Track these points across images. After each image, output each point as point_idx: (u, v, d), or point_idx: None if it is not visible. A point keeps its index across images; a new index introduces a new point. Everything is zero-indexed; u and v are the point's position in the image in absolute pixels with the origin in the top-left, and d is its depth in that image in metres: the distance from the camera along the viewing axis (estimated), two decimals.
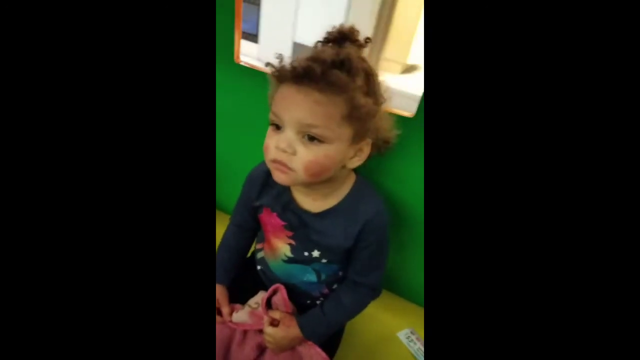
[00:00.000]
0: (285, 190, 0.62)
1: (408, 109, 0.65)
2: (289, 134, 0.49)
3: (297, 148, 0.50)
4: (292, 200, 0.61)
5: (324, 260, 0.64)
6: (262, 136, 0.53)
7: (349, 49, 0.49)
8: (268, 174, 0.62)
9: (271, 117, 0.51)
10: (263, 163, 0.64)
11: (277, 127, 0.51)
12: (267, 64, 0.52)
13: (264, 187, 0.64)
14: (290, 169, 0.51)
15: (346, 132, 0.50)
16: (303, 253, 0.63)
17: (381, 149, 0.58)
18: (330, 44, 0.51)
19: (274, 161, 0.52)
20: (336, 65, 0.47)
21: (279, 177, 0.53)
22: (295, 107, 0.48)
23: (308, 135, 0.49)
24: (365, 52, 0.53)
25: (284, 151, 0.50)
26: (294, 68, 0.48)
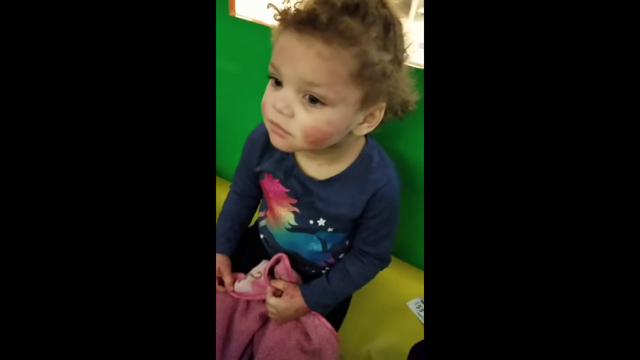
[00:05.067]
0: (288, 154, 0.57)
1: None
2: (288, 92, 0.43)
3: (295, 110, 0.43)
4: (295, 166, 0.56)
5: (329, 229, 0.60)
6: (262, 96, 0.48)
7: None
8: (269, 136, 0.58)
9: (270, 69, 0.45)
10: (264, 124, 0.60)
11: (277, 82, 0.45)
12: (269, 5, 0.44)
13: (265, 151, 0.59)
14: (287, 132, 0.45)
15: (354, 94, 0.42)
16: (308, 221, 0.59)
17: (398, 113, 0.50)
18: None
19: (272, 122, 0.46)
20: (348, 11, 0.39)
21: (277, 141, 0.47)
22: (296, 60, 0.41)
23: (310, 95, 0.42)
24: None
25: (281, 112, 0.44)
26: (297, 11, 0.40)
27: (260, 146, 0.58)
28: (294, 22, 0.41)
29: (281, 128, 0.45)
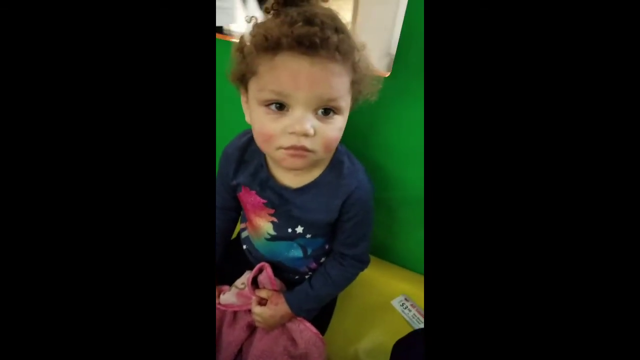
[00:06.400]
0: (262, 166, 0.59)
1: None
2: (303, 114, 0.44)
3: (316, 127, 0.45)
4: (270, 177, 0.58)
5: (308, 236, 0.62)
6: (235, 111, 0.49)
7: (316, 4, 0.44)
8: (243, 150, 0.59)
9: (270, 96, 0.44)
10: (237, 138, 0.61)
11: (279, 107, 0.45)
12: (264, 35, 0.42)
13: (240, 165, 0.61)
14: (310, 151, 0.46)
15: (350, 99, 0.48)
16: (286, 230, 0.61)
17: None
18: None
19: (293, 148, 0.46)
20: (336, 30, 0.42)
21: (297, 163, 0.47)
22: (314, 83, 0.42)
23: (324, 109, 0.45)
24: None
25: (307, 134, 0.44)
26: (299, 36, 0.40)
27: (235, 160, 0.60)
28: (297, 45, 0.40)
29: (305, 149, 0.46)
